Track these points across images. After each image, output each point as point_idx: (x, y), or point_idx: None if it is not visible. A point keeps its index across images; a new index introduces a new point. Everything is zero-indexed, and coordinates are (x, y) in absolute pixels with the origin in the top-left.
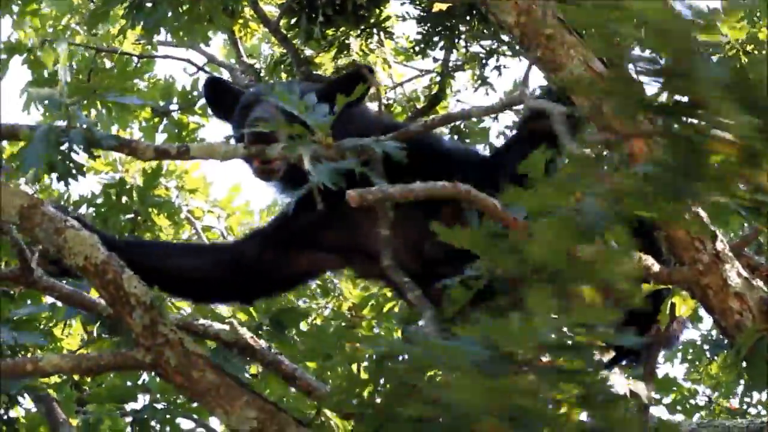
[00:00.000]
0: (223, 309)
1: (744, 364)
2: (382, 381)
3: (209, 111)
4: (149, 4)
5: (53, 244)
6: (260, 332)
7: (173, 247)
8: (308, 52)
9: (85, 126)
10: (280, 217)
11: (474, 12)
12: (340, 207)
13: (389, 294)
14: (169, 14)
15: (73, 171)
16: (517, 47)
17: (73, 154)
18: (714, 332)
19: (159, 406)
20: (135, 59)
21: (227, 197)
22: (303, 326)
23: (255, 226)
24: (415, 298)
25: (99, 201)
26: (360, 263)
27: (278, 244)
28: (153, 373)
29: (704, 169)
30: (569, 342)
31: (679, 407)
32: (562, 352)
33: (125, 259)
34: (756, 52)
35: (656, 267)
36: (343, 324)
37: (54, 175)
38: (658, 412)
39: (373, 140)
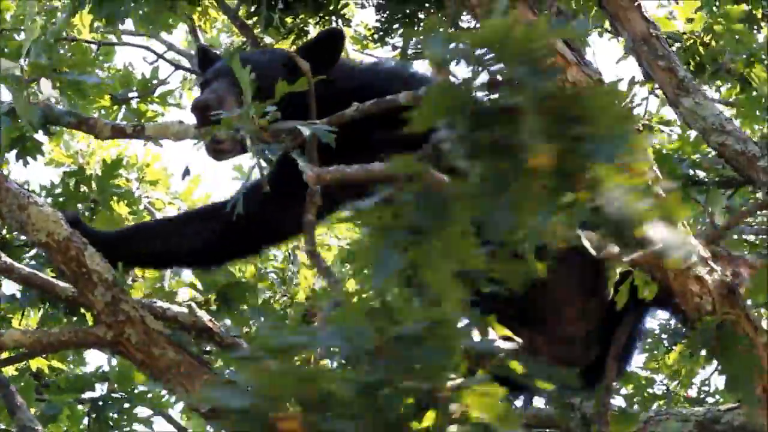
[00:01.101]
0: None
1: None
2: None
3: (168, 99)
4: None
5: (16, 220)
6: (205, 306)
7: (173, 223)
8: (268, 39)
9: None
10: (270, 174)
11: None
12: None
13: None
14: (132, 4)
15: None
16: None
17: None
18: (672, 321)
19: (117, 395)
20: (95, 48)
21: (188, 189)
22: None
23: None
24: (331, 284)
25: (58, 191)
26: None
27: (276, 196)
28: (111, 362)
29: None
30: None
31: (637, 397)
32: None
33: (131, 253)
34: (713, 42)
35: (616, 249)
36: (301, 313)
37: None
38: (617, 402)
39: (306, 124)
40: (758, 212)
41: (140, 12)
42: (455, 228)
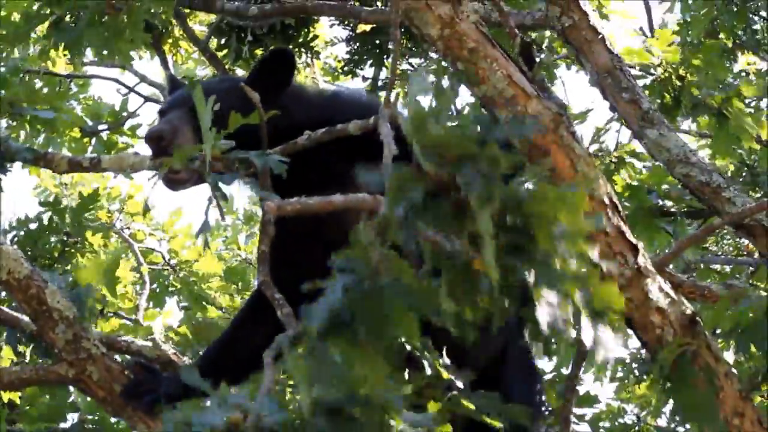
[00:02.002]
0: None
1: (668, 384)
2: None
3: (138, 131)
4: (69, 22)
5: None
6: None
7: (236, 334)
8: (239, 71)
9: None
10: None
11: (402, 29)
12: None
13: None
14: (90, 30)
15: None
16: (443, 62)
17: None
18: (644, 351)
19: (88, 426)
20: (69, 81)
21: (169, 221)
22: None
23: (198, 247)
24: (283, 315)
25: (33, 226)
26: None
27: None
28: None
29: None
30: None
31: (607, 424)
32: None
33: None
34: (689, 76)
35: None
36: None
37: None
38: (582, 428)
39: (258, 154)
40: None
41: (96, 39)
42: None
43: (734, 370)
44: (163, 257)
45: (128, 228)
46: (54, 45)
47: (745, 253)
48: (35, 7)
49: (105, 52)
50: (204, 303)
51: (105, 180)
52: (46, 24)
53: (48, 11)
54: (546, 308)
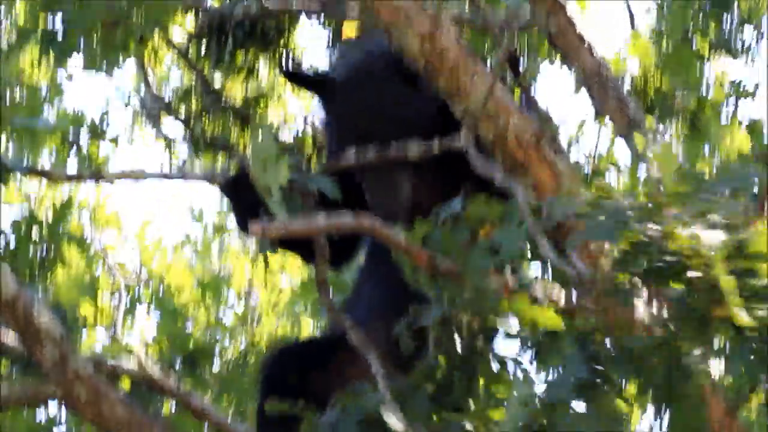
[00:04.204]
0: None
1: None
2: None
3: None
4: (61, 35)
5: None
6: (174, 370)
7: None
8: (217, 76)
9: None
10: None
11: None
12: None
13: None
14: (82, 44)
15: None
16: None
17: None
18: None
19: None
20: (47, 92)
21: (140, 232)
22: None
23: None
24: (357, 339)
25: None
26: None
27: None
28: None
29: None
30: None
31: None
32: None
33: None
34: (663, 83)
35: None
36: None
37: None
38: None
39: (306, 175)
40: None
41: (89, 50)
42: None
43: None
44: (134, 269)
45: (99, 240)
46: (44, 53)
47: None
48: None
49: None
50: (177, 315)
51: (75, 190)
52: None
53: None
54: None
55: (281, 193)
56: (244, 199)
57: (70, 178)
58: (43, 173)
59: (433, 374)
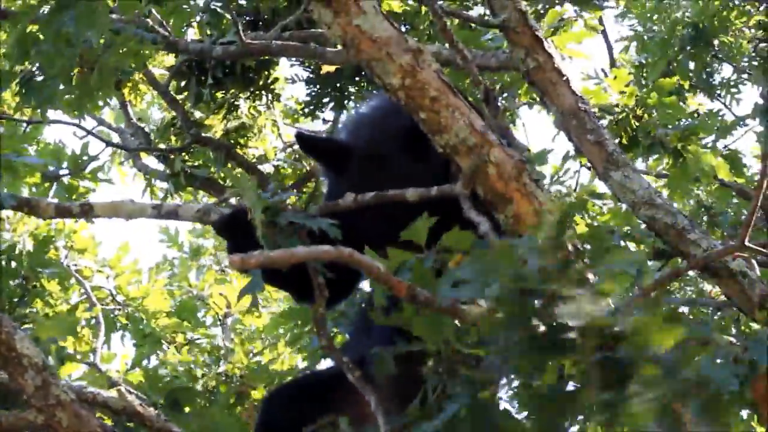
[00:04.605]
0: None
1: None
2: None
3: (99, 175)
4: (39, 78)
5: None
6: (156, 409)
7: None
8: (198, 114)
9: None
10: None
11: (362, 73)
12: None
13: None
14: (61, 88)
15: None
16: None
17: None
18: None
19: None
20: (24, 125)
21: (116, 256)
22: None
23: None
24: (355, 379)
25: None
26: None
27: None
28: None
29: None
30: None
31: None
32: None
33: None
34: (646, 116)
35: None
36: (233, 391)
37: None
38: None
39: (307, 215)
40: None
41: (66, 96)
42: None
43: None
44: (111, 294)
45: (75, 265)
46: (25, 102)
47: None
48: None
49: (74, 109)
50: (154, 340)
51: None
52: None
53: (18, 69)
54: None
55: (278, 232)
56: (241, 238)
57: (58, 214)
58: (30, 209)
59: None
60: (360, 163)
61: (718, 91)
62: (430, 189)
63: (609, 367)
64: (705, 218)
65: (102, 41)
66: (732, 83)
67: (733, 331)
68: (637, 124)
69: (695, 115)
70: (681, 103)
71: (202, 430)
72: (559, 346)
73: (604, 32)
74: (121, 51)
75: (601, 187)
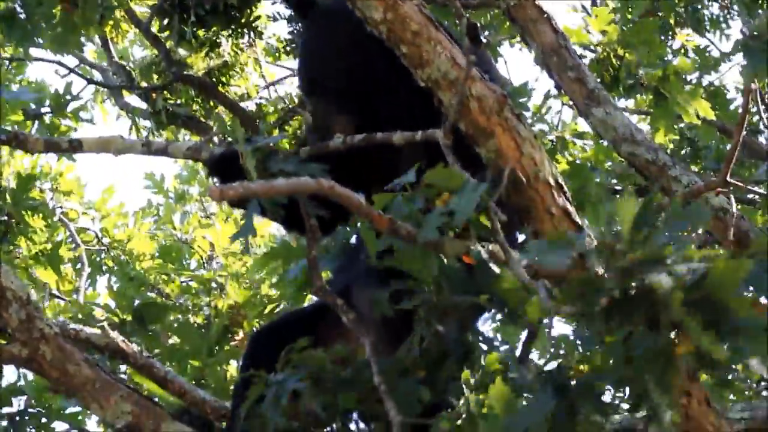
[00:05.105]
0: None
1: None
2: None
3: (81, 114)
4: (22, 16)
5: None
6: (124, 328)
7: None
8: (181, 52)
9: None
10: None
11: None
12: None
13: (273, 295)
14: (43, 26)
15: None
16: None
17: None
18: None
19: (33, 411)
20: (8, 64)
21: (101, 199)
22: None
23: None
24: (350, 321)
25: None
26: None
27: None
28: (27, 377)
29: None
30: None
31: None
32: None
33: None
34: (627, 55)
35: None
36: (224, 323)
37: None
38: None
39: (297, 161)
40: None
41: (49, 33)
42: None
43: None
44: (96, 236)
45: (61, 207)
46: (6, 39)
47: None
48: None
49: (56, 46)
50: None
51: (36, 159)
52: None
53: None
54: None
55: (269, 177)
56: (231, 176)
57: (47, 148)
58: (19, 143)
59: (423, 359)
60: (325, 17)
61: (707, 27)
62: (415, 133)
63: (703, 310)
64: (688, 149)
65: None
66: (720, 18)
67: None
68: (618, 62)
69: (682, 50)
70: (668, 37)
71: (178, 348)
72: (651, 303)
73: None
74: None
75: (582, 124)
